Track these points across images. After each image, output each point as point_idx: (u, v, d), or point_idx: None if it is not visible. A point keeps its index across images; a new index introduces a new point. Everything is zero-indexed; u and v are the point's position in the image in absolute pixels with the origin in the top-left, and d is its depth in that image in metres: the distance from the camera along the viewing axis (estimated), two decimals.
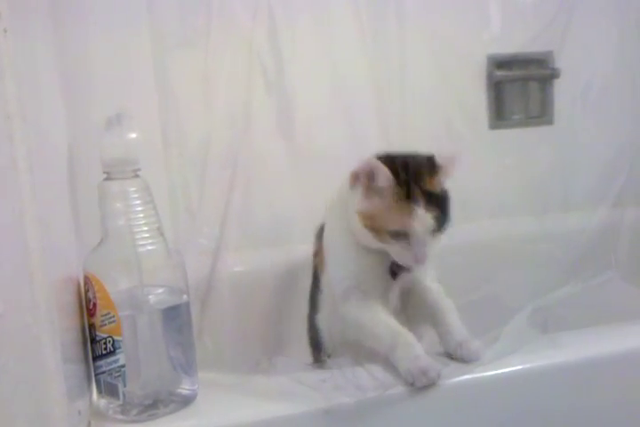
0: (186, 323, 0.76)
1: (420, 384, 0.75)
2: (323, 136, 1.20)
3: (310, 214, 1.05)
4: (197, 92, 1.13)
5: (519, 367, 0.80)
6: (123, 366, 0.71)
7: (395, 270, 0.85)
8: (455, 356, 0.80)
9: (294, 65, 1.15)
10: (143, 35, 1.08)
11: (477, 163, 1.35)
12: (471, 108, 1.38)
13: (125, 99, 1.02)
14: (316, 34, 1.19)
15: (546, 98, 1.43)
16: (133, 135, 0.73)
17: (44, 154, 0.64)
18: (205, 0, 1.09)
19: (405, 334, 0.80)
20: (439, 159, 0.82)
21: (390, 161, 0.81)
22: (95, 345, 0.73)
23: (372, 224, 0.81)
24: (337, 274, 0.87)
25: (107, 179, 0.73)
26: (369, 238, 0.82)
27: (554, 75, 1.40)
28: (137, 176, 0.73)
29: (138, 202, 0.72)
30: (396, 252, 0.81)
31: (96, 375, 0.73)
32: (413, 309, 0.89)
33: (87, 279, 0.73)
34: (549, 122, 1.43)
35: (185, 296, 0.76)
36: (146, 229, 0.73)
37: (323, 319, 0.94)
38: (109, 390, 0.72)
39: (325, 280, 0.91)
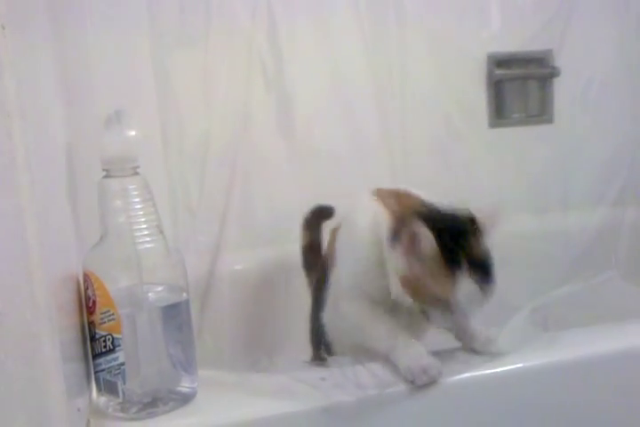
0: (185, 321, 0.76)
1: (421, 382, 0.75)
2: (322, 134, 1.20)
3: None
4: (197, 90, 1.13)
5: (519, 366, 0.80)
6: (122, 363, 0.71)
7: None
8: (482, 352, 0.80)
9: (294, 64, 1.15)
10: (143, 33, 1.09)
11: (477, 161, 1.35)
12: (471, 106, 1.38)
13: (125, 97, 1.02)
14: (316, 33, 1.19)
15: (545, 96, 1.43)
16: (133, 133, 0.73)
17: (43, 152, 0.64)
18: None
19: (405, 334, 0.80)
20: (481, 217, 0.79)
21: (431, 222, 0.76)
22: (95, 343, 0.72)
23: (413, 289, 0.77)
24: (346, 271, 0.86)
25: (106, 176, 0.73)
26: (406, 298, 0.78)
27: (553, 73, 1.40)
28: (136, 174, 0.73)
29: (137, 200, 0.72)
30: (436, 317, 0.78)
31: (95, 373, 0.73)
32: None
33: (86, 277, 0.73)
34: (549, 120, 1.43)
35: (185, 294, 0.76)
36: (145, 226, 0.72)
37: (329, 316, 0.93)
38: (109, 388, 0.72)
39: (334, 276, 0.90)
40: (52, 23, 0.80)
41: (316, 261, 1.06)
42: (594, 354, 0.82)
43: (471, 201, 1.25)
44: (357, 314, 0.84)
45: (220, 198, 1.14)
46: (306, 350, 0.98)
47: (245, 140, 1.15)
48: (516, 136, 1.41)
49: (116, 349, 0.71)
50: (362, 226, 0.83)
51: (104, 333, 0.71)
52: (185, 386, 0.75)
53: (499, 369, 0.79)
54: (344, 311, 0.86)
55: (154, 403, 0.73)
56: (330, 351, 0.90)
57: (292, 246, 1.10)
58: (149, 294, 0.74)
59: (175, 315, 0.75)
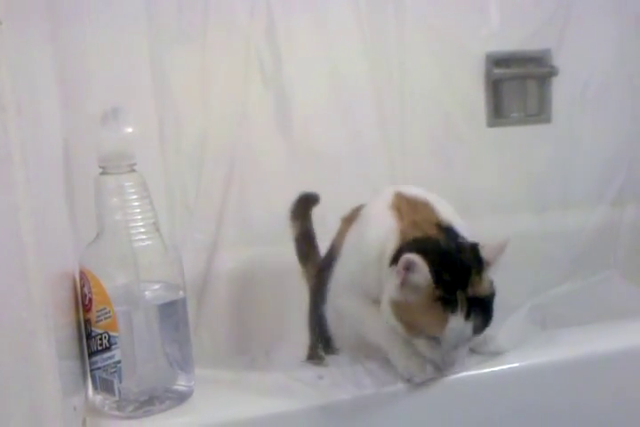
0: (182, 319, 0.75)
1: (418, 380, 0.75)
2: (320, 133, 1.20)
3: None
4: (194, 88, 1.13)
5: (517, 364, 0.79)
6: (118, 361, 0.71)
7: None
8: (480, 351, 0.80)
9: (292, 61, 1.15)
10: (141, 29, 1.08)
11: (475, 160, 1.35)
12: (469, 105, 1.38)
13: (122, 94, 1.02)
14: (314, 30, 1.19)
15: (544, 96, 1.43)
16: (129, 130, 0.72)
17: (39, 148, 0.64)
18: None
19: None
20: (485, 252, 0.76)
21: (434, 254, 0.74)
22: (91, 341, 0.72)
23: (404, 318, 0.75)
24: (348, 268, 0.86)
25: (103, 173, 0.72)
26: (398, 327, 0.76)
27: (552, 73, 1.40)
28: (133, 171, 0.73)
29: (134, 197, 0.72)
30: (425, 350, 0.75)
31: (92, 371, 0.73)
32: None
33: (83, 274, 0.72)
34: (547, 120, 1.43)
35: (181, 292, 0.76)
36: (142, 224, 0.72)
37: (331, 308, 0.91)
38: (105, 387, 0.72)
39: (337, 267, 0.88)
40: (50, 20, 0.80)
41: (311, 250, 1.05)
42: (592, 353, 0.82)
43: (470, 199, 1.27)
44: (357, 309, 0.84)
45: (218, 196, 1.14)
46: (303, 348, 0.98)
47: (243, 139, 1.14)
48: (515, 135, 1.41)
49: (113, 347, 0.71)
50: (372, 237, 0.82)
51: (100, 331, 0.71)
52: (181, 385, 0.75)
53: (497, 368, 0.79)
54: (343, 306, 0.85)
55: (150, 401, 0.72)
56: (329, 347, 0.89)
57: (289, 245, 1.09)
58: (146, 292, 0.74)
59: (172, 313, 0.74)
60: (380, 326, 0.80)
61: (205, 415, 0.73)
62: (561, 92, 1.41)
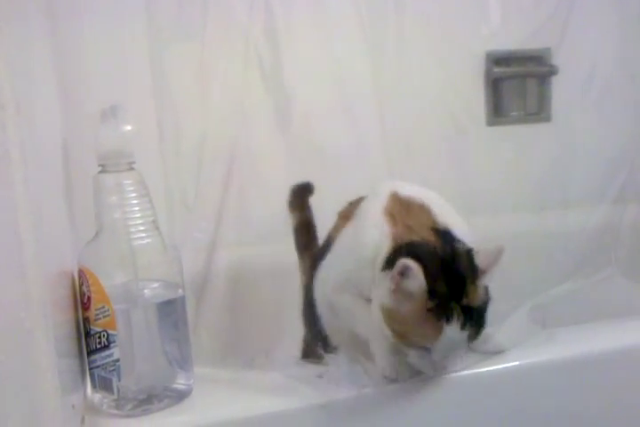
0: (181, 318, 0.75)
1: (402, 380, 0.74)
2: (320, 131, 1.20)
3: None
4: (194, 85, 1.12)
5: (517, 363, 0.79)
6: (117, 360, 0.71)
7: None
8: (480, 350, 0.79)
9: (291, 58, 1.15)
10: (140, 27, 1.08)
11: (475, 159, 1.35)
12: (469, 104, 1.38)
13: (121, 92, 1.01)
14: (314, 27, 1.18)
15: (544, 95, 1.43)
16: (128, 127, 0.72)
17: (38, 146, 0.63)
18: None
19: None
20: (480, 259, 0.72)
21: (429, 261, 0.70)
22: (89, 339, 0.72)
23: (395, 326, 0.72)
24: (339, 266, 0.84)
25: (101, 171, 0.72)
26: (388, 334, 0.73)
27: (552, 72, 1.40)
28: (132, 169, 0.73)
29: (133, 195, 0.72)
30: (414, 357, 0.73)
31: (90, 370, 0.73)
32: None
33: (82, 273, 0.72)
34: (547, 119, 1.43)
35: (180, 291, 0.76)
36: (141, 222, 0.72)
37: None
38: (104, 385, 0.72)
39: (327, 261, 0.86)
40: (49, 17, 0.80)
41: (309, 241, 1.02)
42: (592, 351, 0.82)
43: (469, 198, 1.27)
44: (350, 305, 0.81)
45: (217, 195, 1.13)
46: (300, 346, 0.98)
47: (242, 137, 1.14)
48: (515, 134, 1.41)
49: (111, 345, 0.70)
50: (367, 239, 0.78)
51: (99, 329, 0.71)
52: (180, 383, 0.75)
53: (497, 366, 0.78)
54: (338, 302, 0.83)
55: (149, 400, 0.72)
56: (326, 345, 0.89)
57: (289, 243, 1.09)
58: (145, 291, 0.74)
59: (171, 311, 0.74)
60: (371, 323, 0.79)
61: (204, 414, 0.73)
62: (561, 91, 1.41)
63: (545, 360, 0.80)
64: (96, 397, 0.73)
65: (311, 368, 0.80)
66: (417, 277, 0.68)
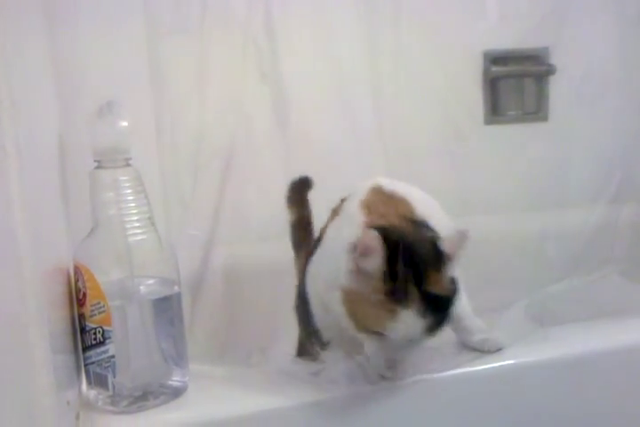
0: (177, 314, 0.75)
1: (383, 377, 0.73)
2: (318, 127, 1.20)
3: None
4: (191, 80, 1.12)
5: (514, 361, 0.79)
6: (112, 356, 0.70)
7: None
8: (480, 349, 0.79)
9: (290, 55, 1.15)
10: (137, 22, 1.08)
11: (472, 158, 1.35)
12: (467, 103, 1.38)
13: (118, 87, 1.01)
14: (312, 23, 1.18)
15: (541, 94, 1.43)
16: (125, 123, 0.72)
17: (34, 141, 0.63)
18: None
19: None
20: (446, 245, 0.69)
21: (392, 242, 0.67)
22: (85, 335, 0.72)
23: (351, 309, 0.69)
24: (332, 264, 0.84)
25: (98, 167, 0.72)
26: (344, 319, 0.70)
27: (549, 71, 1.40)
28: (128, 165, 0.72)
29: (129, 191, 0.71)
30: (371, 349, 0.70)
31: (85, 366, 0.73)
32: None
33: (77, 269, 0.72)
34: (544, 118, 1.43)
35: (176, 287, 0.75)
36: (137, 218, 0.72)
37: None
38: (99, 381, 0.72)
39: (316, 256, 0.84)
40: (46, 13, 0.79)
41: (306, 237, 1.01)
42: (590, 350, 0.82)
43: (467, 197, 1.27)
44: (338, 299, 0.81)
45: (214, 192, 1.13)
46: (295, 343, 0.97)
47: (240, 133, 1.14)
48: (512, 133, 1.41)
49: (107, 341, 0.70)
50: (343, 234, 0.75)
51: (94, 325, 0.71)
52: (176, 380, 0.75)
53: (493, 365, 0.78)
54: (324, 297, 0.82)
55: (144, 397, 0.72)
56: (321, 342, 0.89)
57: (285, 241, 1.09)
58: (141, 287, 0.74)
59: (166, 308, 0.74)
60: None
61: (199, 411, 0.73)
62: (558, 90, 1.41)
63: (541, 359, 0.80)
64: (91, 393, 0.73)
65: (307, 366, 0.80)
66: (376, 258, 0.66)
